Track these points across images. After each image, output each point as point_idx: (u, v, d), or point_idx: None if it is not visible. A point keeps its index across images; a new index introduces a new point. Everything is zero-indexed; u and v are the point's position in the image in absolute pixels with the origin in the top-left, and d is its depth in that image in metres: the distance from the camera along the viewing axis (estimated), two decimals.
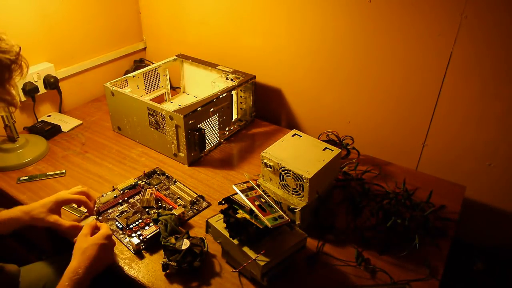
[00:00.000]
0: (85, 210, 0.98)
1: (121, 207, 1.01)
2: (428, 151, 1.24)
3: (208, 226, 0.86)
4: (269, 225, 0.77)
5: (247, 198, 0.83)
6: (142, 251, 0.90)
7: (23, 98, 1.32)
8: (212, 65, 1.41)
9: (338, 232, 0.96)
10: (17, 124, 1.21)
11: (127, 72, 1.63)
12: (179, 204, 1.03)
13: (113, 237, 0.93)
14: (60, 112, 1.47)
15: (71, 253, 0.80)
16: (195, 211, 1.02)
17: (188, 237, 0.86)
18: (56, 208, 0.89)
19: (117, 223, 0.97)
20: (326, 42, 1.27)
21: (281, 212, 0.83)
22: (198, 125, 1.17)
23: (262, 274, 0.77)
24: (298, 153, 0.94)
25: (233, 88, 1.28)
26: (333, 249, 0.92)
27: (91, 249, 0.79)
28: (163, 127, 1.18)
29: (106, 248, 0.82)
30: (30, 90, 1.31)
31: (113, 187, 1.07)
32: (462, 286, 1.20)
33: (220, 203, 0.85)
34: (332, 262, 0.89)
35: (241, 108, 1.41)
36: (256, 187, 0.89)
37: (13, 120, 1.19)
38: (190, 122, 1.13)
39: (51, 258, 1.00)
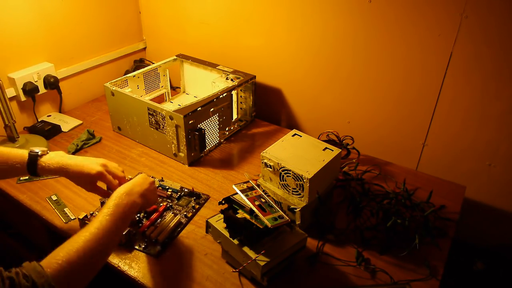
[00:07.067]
0: (73, 217, 0.99)
1: None
2: (428, 151, 1.24)
3: (208, 226, 0.87)
4: (269, 225, 0.77)
5: (247, 198, 0.83)
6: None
7: (23, 98, 1.32)
8: (212, 65, 1.41)
9: (338, 232, 0.96)
10: (17, 124, 1.21)
11: (127, 72, 1.63)
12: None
13: None
14: (60, 112, 1.48)
15: None
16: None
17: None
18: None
19: None
20: (326, 42, 1.27)
21: (281, 212, 0.83)
22: (198, 125, 1.17)
23: (262, 274, 0.77)
24: (298, 153, 0.94)
25: (233, 88, 1.28)
26: (333, 249, 0.92)
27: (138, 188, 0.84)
28: (163, 127, 1.18)
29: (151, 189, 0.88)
30: (30, 90, 1.31)
31: None
32: (462, 286, 1.20)
33: (220, 203, 0.85)
34: (332, 262, 0.89)
35: (241, 108, 1.41)
36: (256, 187, 0.89)
37: (13, 120, 1.19)
38: (190, 122, 1.13)
39: None
